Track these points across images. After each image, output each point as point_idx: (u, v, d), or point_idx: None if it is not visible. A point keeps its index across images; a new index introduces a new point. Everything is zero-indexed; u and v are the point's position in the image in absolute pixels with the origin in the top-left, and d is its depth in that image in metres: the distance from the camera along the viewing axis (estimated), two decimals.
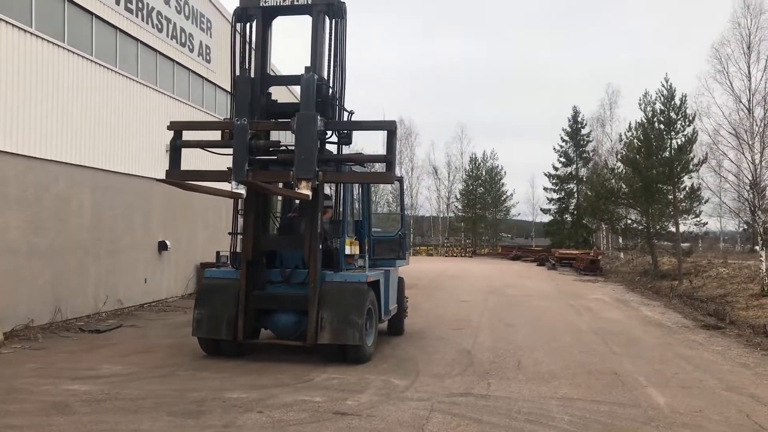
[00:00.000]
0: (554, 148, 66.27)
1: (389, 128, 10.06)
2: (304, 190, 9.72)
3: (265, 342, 11.05)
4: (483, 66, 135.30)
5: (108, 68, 15.70)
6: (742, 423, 7.55)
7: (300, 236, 10.60)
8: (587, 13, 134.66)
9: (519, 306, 20.01)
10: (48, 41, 13.47)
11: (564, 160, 65.98)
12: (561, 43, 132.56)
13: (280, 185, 10.50)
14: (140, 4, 17.09)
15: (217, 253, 11.51)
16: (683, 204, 30.93)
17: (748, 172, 22.66)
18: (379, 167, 12.07)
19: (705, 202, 31.41)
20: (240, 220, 10.88)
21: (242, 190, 9.91)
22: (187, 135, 10.86)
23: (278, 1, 10.56)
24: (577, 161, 65.51)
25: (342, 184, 11.02)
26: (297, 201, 12.77)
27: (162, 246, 18.19)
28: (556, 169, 66.17)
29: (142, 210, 17.30)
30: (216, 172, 10.39)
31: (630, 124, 35.36)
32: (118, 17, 16.10)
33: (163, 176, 10.34)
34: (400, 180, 13.54)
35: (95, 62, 15.17)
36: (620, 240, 51.08)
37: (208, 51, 21.42)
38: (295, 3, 10.60)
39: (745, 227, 67.36)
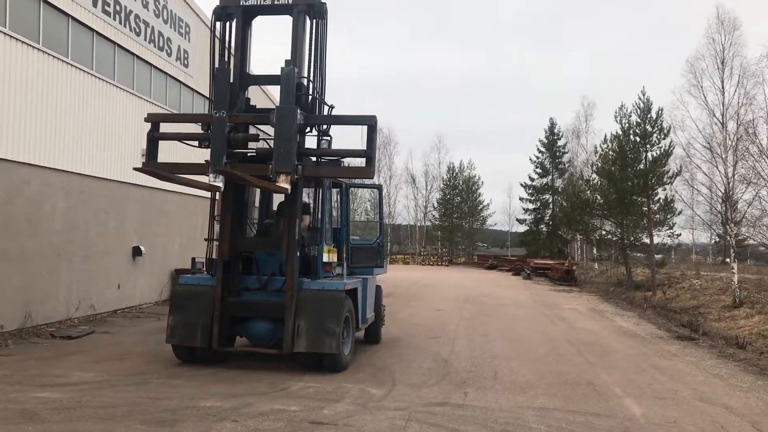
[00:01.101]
0: (531, 159, 66.80)
1: (369, 123, 10.04)
2: (284, 183, 9.65)
3: (240, 350, 10.91)
4: (460, 76, 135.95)
5: (84, 71, 15.49)
6: None
7: (278, 238, 10.52)
8: (564, 26, 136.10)
9: (494, 315, 20.05)
10: (22, 42, 13.25)
11: (540, 170, 66.45)
12: (538, 55, 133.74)
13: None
14: (118, 7, 16.90)
15: (193, 259, 11.36)
16: (657, 216, 31.26)
17: (721, 185, 22.96)
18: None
19: (678, 214, 31.78)
20: (216, 227, 10.79)
21: (220, 183, 9.79)
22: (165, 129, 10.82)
23: (258, 0, 10.51)
24: (552, 172, 65.99)
25: (320, 191, 10.94)
26: (275, 207, 12.75)
27: (136, 251, 17.95)
28: (532, 179, 66.64)
29: (117, 215, 17.06)
30: (194, 165, 10.33)
31: (605, 136, 35.72)
32: (96, 20, 15.90)
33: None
34: (380, 188, 13.54)
35: (71, 64, 14.96)
36: (594, 251, 51.53)
37: (186, 55, 21.25)
38: (276, 3, 10.54)
39: (717, 239, 68.54)
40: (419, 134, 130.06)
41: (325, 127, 10.53)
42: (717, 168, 23.28)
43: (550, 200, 65.70)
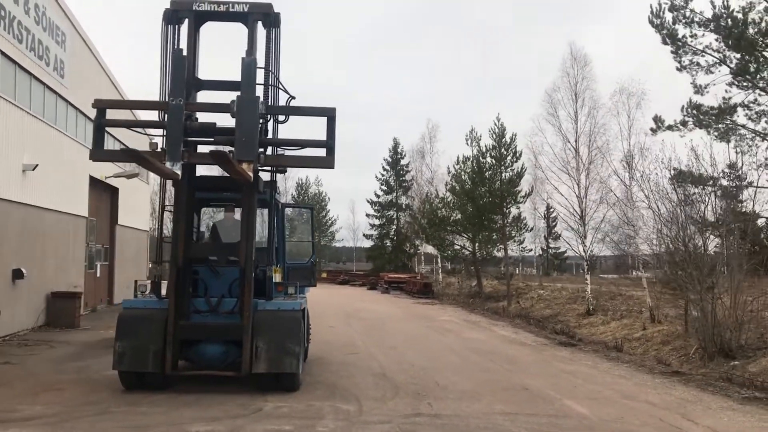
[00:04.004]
0: (376, 177, 69.04)
1: (329, 114, 10.30)
2: (247, 171, 9.72)
3: (197, 374, 10.66)
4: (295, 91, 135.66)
5: None
6: (661, 425, 8.80)
7: (232, 246, 10.53)
8: (412, 47, 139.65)
9: (384, 329, 20.78)
10: None
11: (385, 188, 68.90)
12: (383, 75, 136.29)
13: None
14: (2, 12, 15.74)
15: (135, 282, 10.98)
16: (510, 231, 33.80)
17: (577, 205, 25.44)
18: None
19: (530, 230, 34.59)
20: (163, 249, 10.56)
21: (178, 170, 9.63)
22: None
23: (213, 6, 10.47)
24: (397, 189, 68.63)
25: (268, 210, 11.08)
26: (203, 229, 12.57)
27: (17, 274, 16.63)
28: (378, 196, 68.88)
29: None
30: (148, 153, 10.02)
31: (458, 157, 37.96)
32: None
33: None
34: (311, 208, 13.81)
35: None
36: (439, 263, 54.22)
37: (62, 65, 20.05)
38: (231, 10, 10.51)
39: (541, 253, 74.34)
40: None
41: (283, 118, 10.67)
42: (572, 189, 25.72)
43: (395, 216, 68.27)
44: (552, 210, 55.77)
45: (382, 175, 68.89)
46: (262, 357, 9.85)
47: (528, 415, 9.13)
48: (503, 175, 33.31)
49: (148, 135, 10.47)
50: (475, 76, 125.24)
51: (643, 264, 21.93)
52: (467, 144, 37.42)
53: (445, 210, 39.23)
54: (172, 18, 10.48)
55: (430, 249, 54.01)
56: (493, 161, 33.59)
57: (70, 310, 19.09)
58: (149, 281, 10.80)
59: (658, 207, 15.85)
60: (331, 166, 10.50)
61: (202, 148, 10.55)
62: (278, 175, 11.85)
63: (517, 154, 32.99)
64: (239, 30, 10.78)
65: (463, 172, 37.67)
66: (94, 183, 24.03)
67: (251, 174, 9.74)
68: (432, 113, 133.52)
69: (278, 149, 10.76)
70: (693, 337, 16.15)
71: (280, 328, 10.03)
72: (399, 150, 69.08)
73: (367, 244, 71.31)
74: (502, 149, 33.32)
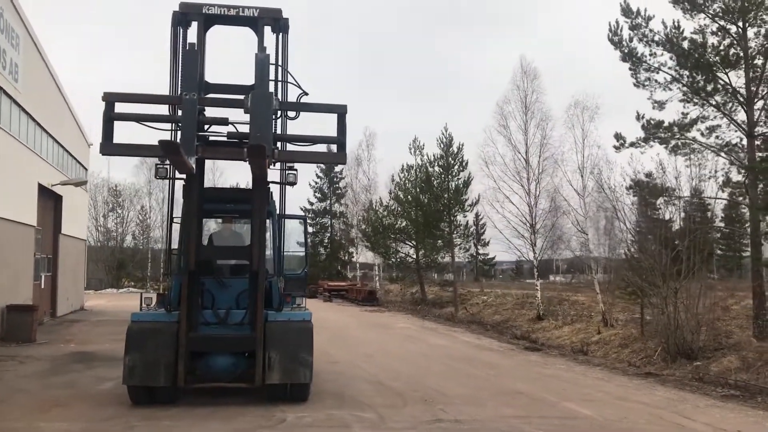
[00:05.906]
0: (309, 184, 68.84)
1: (340, 111, 10.41)
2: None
3: (199, 387, 10.60)
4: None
5: None
6: (664, 423, 9.42)
7: (244, 247, 10.64)
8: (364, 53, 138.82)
9: (349, 338, 20.97)
10: None
11: (319, 195, 68.85)
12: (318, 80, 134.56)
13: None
14: None
15: (141, 294, 10.83)
16: (458, 239, 34.60)
17: (528, 214, 26.35)
18: None
19: (476, 238, 35.41)
20: (173, 260, 10.50)
21: (193, 163, 9.66)
22: None
23: (222, 10, 10.53)
24: (331, 197, 68.77)
25: (272, 220, 11.16)
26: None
27: None
28: (311, 203, 68.69)
29: None
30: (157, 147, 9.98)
31: (403, 165, 38.56)
32: None
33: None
34: (304, 219, 13.90)
35: None
36: (377, 271, 54.73)
37: (16, 69, 19.36)
38: (241, 14, 10.58)
39: (470, 259, 76.02)
40: None
41: (294, 114, 10.80)
42: (523, 198, 26.63)
43: (329, 224, 68.35)
44: (481, 217, 57.29)
45: (316, 183, 68.75)
46: (275, 367, 9.91)
47: (538, 417, 9.57)
48: (450, 184, 34.08)
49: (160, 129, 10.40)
50: (407, 84, 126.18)
51: (603, 268, 22.93)
52: (411, 153, 38.20)
53: (390, 218, 39.70)
54: (180, 20, 10.55)
55: (367, 256, 54.43)
56: (441, 170, 34.33)
57: (27, 324, 18.40)
58: (155, 293, 10.68)
59: (624, 215, 16.69)
60: (343, 162, 10.82)
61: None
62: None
63: (464, 164, 33.87)
64: (237, 35, 10.98)
65: (407, 181, 38.31)
66: (41, 191, 23.26)
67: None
68: (367, 122, 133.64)
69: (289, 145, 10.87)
70: (652, 340, 17.13)
71: (292, 339, 10.12)
72: None
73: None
74: (450, 158, 34.10)
